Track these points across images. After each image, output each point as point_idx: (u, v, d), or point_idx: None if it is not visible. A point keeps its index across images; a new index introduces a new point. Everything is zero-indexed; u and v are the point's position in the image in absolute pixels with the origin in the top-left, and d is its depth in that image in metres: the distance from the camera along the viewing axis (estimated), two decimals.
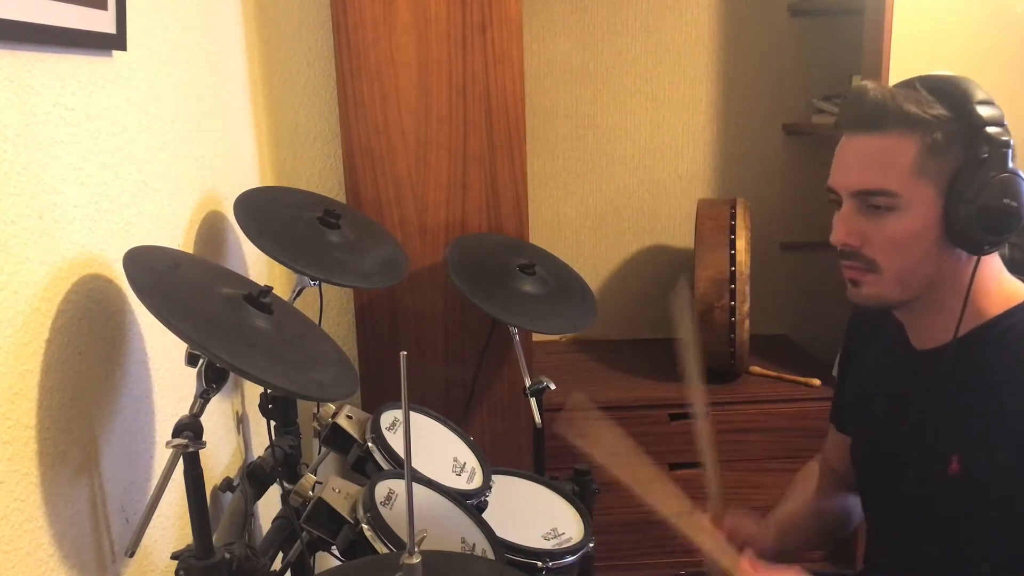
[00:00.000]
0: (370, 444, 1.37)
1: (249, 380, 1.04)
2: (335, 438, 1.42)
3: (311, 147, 2.20)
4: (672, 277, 2.69)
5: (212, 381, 1.02)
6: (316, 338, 1.21)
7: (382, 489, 1.23)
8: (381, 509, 1.17)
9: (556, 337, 2.70)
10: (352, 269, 1.52)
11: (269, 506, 1.68)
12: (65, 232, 0.98)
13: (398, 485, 1.26)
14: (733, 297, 2.21)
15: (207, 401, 1.02)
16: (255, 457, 1.55)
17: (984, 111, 0.98)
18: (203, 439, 0.98)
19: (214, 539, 1.04)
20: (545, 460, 1.80)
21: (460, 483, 1.41)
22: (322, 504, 1.19)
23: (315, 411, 1.45)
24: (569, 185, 2.64)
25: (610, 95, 2.59)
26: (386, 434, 1.39)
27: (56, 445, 0.94)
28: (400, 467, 1.34)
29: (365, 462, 1.38)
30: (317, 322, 1.32)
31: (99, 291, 1.06)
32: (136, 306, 1.16)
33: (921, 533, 1.13)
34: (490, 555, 1.24)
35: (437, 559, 0.93)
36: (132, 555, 1.02)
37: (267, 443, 1.46)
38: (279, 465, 1.45)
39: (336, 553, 1.21)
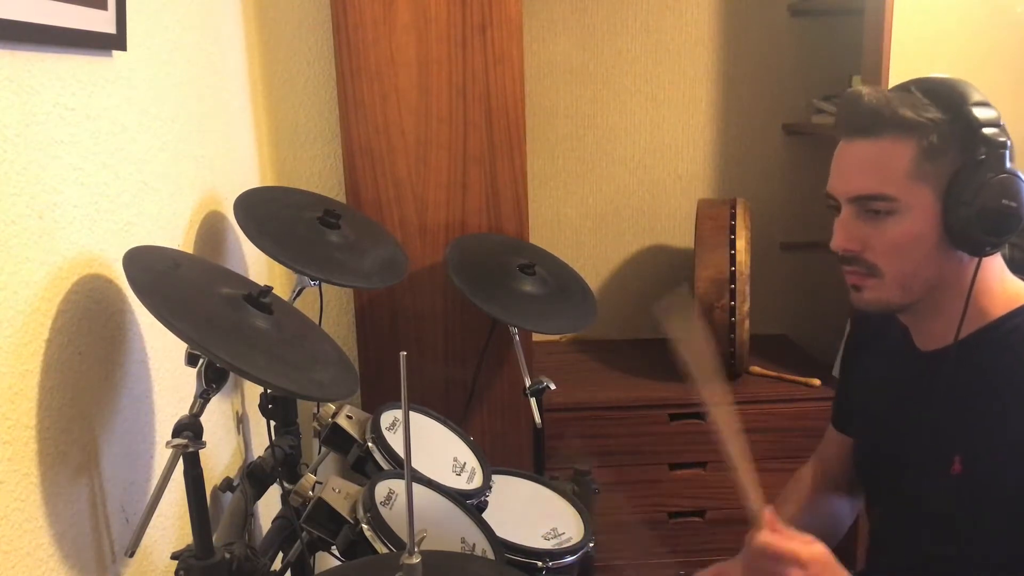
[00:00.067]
0: (370, 444, 1.37)
1: (249, 380, 1.04)
2: (335, 438, 1.42)
3: (311, 147, 2.20)
4: (672, 277, 2.69)
5: (212, 381, 1.02)
6: (316, 338, 1.21)
7: (382, 489, 1.23)
8: (381, 509, 1.17)
9: (556, 337, 2.70)
10: (352, 269, 1.52)
11: (269, 506, 1.68)
12: (65, 232, 0.99)
13: (398, 485, 1.26)
14: (733, 297, 2.21)
15: (207, 401, 1.02)
16: (255, 457, 1.55)
17: (980, 112, 0.98)
18: (203, 439, 0.98)
19: (214, 539, 1.04)
20: (545, 460, 1.80)
21: (460, 483, 1.41)
22: (322, 504, 1.19)
23: (315, 411, 1.45)
24: (569, 185, 2.64)
25: (610, 95, 2.59)
26: (386, 434, 1.39)
27: (56, 445, 0.94)
28: (400, 467, 1.34)
29: (365, 462, 1.38)
30: (317, 322, 1.32)
31: (99, 291, 1.06)
32: (136, 306, 1.16)
33: (923, 533, 1.13)
34: (490, 555, 1.24)
35: (437, 559, 0.93)
36: (132, 555, 1.02)
37: (267, 443, 1.46)
38: (279, 465, 1.45)
39: (336, 553, 1.20)
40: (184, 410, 1.01)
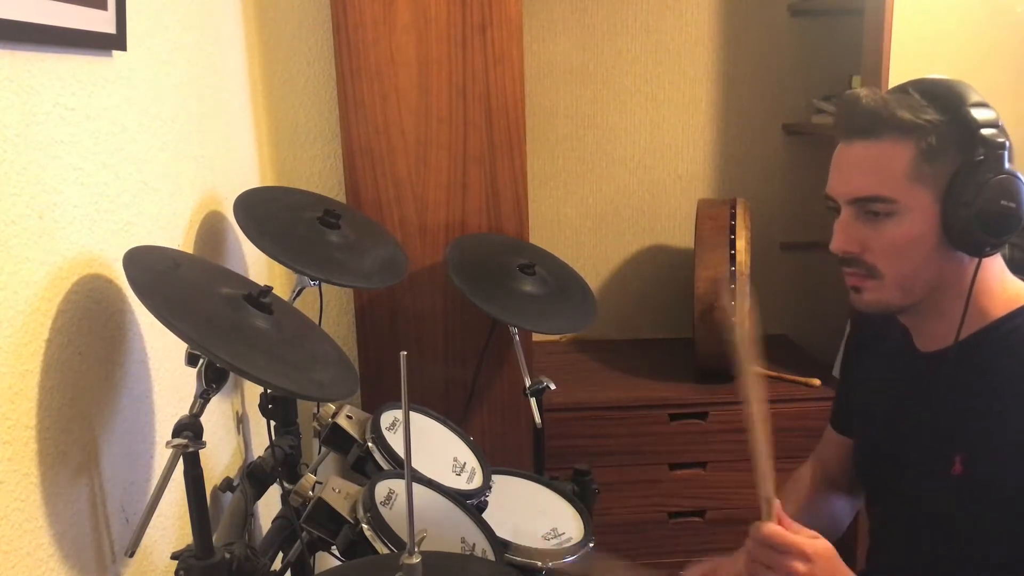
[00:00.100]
0: (370, 444, 1.37)
1: (249, 380, 1.04)
2: (335, 438, 1.42)
3: (311, 147, 2.20)
4: (672, 277, 2.69)
5: (212, 381, 1.02)
6: (316, 338, 1.21)
7: (382, 489, 1.23)
8: (381, 509, 1.17)
9: (556, 337, 2.70)
10: (352, 269, 1.52)
11: (269, 506, 1.68)
12: (65, 232, 0.99)
13: (398, 485, 1.26)
14: (733, 297, 2.21)
15: (207, 401, 1.02)
16: (255, 457, 1.55)
17: (978, 113, 0.98)
18: (203, 439, 0.98)
19: (214, 539, 1.04)
20: (545, 460, 1.80)
21: (460, 483, 1.41)
22: (322, 504, 1.19)
23: (315, 411, 1.45)
24: (569, 185, 2.64)
25: (610, 95, 2.59)
26: (386, 434, 1.39)
27: (56, 445, 0.94)
28: (400, 467, 1.34)
29: (365, 462, 1.38)
30: (317, 322, 1.32)
31: (99, 291, 1.06)
32: (136, 306, 1.16)
33: (923, 534, 1.13)
34: (490, 555, 1.24)
35: (437, 559, 0.93)
36: (132, 555, 1.02)
37: (267, 443, 1.46)
38: (279, 465, 1.45)
39: (336, 553, 1.20)
40: (184, 410, 1.01)
